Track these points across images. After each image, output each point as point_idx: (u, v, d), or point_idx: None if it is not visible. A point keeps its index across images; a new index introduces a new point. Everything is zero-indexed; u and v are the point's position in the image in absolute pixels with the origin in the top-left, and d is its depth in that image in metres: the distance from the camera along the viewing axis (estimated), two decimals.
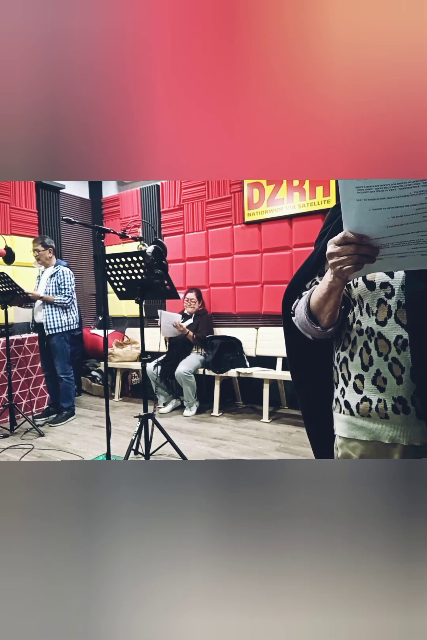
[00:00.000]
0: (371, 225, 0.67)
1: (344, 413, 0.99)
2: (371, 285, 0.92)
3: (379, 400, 0.91)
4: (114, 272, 2.72)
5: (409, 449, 0.89)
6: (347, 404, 0.98)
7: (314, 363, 1.12)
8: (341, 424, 1.00)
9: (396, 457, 0.90)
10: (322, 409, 1.10)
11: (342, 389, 1.00)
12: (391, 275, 0.90)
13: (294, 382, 1.17)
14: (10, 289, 3.52)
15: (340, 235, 0.72)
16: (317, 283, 1.03)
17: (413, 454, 0.90)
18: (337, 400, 1.02)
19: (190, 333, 4.18)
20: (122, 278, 2.72)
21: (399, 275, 0.89)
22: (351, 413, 0.97)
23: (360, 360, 0.95)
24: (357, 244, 0.70)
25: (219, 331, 4.55)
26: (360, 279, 0.94)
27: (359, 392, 0.95)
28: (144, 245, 2.79)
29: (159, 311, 4.03)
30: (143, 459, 2.74)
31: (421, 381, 0.86)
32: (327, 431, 1.07)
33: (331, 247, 0.76)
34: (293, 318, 1.05)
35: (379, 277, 0.91)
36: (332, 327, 0.96)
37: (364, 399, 0.94)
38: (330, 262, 0.78)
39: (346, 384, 0.99)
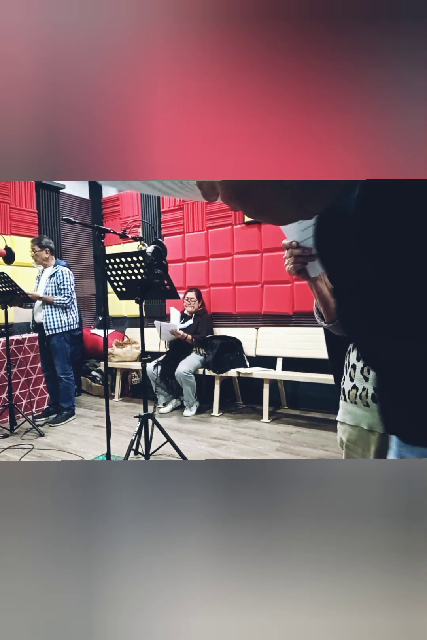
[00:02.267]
0: (291, 231, 0.75)
1: (341, 398, 1.11)
2: None
3: (364, 389, 1.02)
4: (114, 272, 2.72)
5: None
6: (343, 390, 1.10)
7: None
8: (340, 409, 1.12)
9: (374, 442, 1.00)
10: None
11: (343, 377, 1.11)
12: None
13: (334, 378, 1.26)
14: (10, 289, 3.52)
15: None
16: None
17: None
18: (339, 386, 1.13)
19: (189, 337, 4.18)
20: (122, 278, 2.72)
21: None
22: (345, 399, 1.09)
23: (356, 351, 1.05)
24: (291, 248, 0.82)
25: (219, 331, 4.55)
26: None
27: (351, 380, 1.06)
28: (144, 245, 2.79)
29: (155, 322, 3.98)
30: (143, 459, 2.74)
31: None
32: None
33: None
34: None
35: None
36: (334, 322, 1.03)
37: (354, 386, 1.05)
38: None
39: (346, 372, 1.09)
